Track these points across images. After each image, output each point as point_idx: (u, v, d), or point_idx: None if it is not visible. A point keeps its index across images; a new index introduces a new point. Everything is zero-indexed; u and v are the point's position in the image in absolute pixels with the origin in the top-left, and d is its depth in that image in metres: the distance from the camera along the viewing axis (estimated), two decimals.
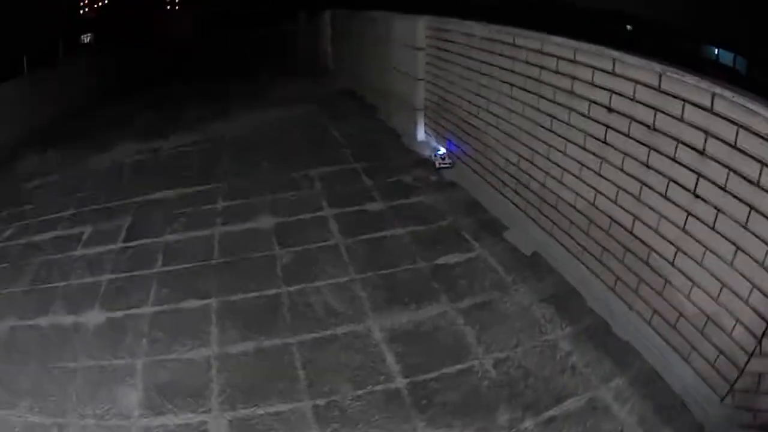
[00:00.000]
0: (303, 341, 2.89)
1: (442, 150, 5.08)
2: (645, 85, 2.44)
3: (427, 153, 5.40)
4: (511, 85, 3.68)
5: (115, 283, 3.60)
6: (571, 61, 2.99)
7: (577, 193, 3.07)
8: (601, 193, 2.85)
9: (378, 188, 4.79)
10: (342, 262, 3.65)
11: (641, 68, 2.47)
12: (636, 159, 2.55)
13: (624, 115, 2.60)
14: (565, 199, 3.20)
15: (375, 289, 3.33)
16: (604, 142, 2.77)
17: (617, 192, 2.71)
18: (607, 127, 2.74)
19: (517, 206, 3.83)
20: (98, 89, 11.64)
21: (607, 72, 2.69)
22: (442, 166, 5.01)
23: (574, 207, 3.10)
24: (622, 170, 2.65)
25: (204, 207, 4.70)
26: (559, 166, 3.22)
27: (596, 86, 2.79)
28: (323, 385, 2.59)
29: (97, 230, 4.50)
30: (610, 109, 2.70)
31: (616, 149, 2.69)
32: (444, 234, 3.94)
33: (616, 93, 2.65)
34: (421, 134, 5.75)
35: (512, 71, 3.66)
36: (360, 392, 2.54)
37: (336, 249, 3.83)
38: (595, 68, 2.79)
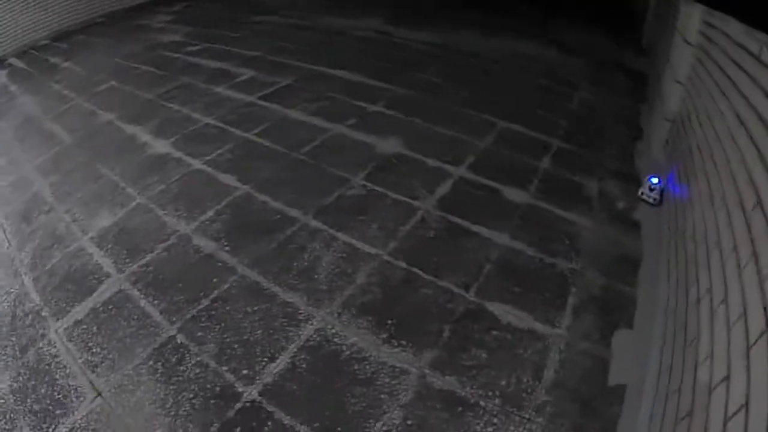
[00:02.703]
0: None
1: (657, 180, 3.59)
2: None
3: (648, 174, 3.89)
4: (747, 131, 2.12)
5: (206, 130, 3.43)
6: None
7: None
8: None
9: (544, 176, 3.50)
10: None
11: None
12: None
13: None
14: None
15: None
16: None
17: None
18: None
19: (666, 317, 2.39)
20: None
21: None
22: (645, 198, 3.51)
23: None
24: None
25: (357, 102, 4.12)
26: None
27: None
28: None
29: (254, 79, 4.40)
30: None
31: None
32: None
33: None
34: (658, 149, 4.18)
35: (751, 107, 2.09)
36: None
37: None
38: None
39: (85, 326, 2.05)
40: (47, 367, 1.95)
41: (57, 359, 1.95)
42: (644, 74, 6.39)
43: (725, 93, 2.47)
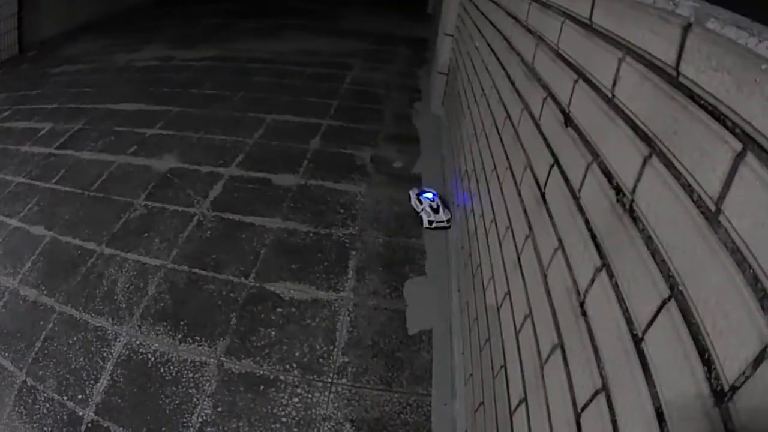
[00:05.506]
0: None
1: (432, 193, 2.96)
2: None
3: (431, 130, 3.95)
4: (496, 57, 2.15)
5: (17, 189, 3.55)
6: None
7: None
8: None
9: (313, 156, 3.60)
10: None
11: None
12: None
13: None
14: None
15: None
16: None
17: None
18: None
19: (458, 256, 2.39)
20: None
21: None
22: (438, 225, 2.81)
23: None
24: None
25: (137, 130, 4.24)
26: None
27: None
28: None
29: (52, 130, 4.40)
30: None
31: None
32: None
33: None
34: (436, 104, 4.31)
35: (498, 32, 2.13)
36: None
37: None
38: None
39: None
40: None
41: None
42: (426, 40, 6.73)
43: (480, 28, 2.51)
